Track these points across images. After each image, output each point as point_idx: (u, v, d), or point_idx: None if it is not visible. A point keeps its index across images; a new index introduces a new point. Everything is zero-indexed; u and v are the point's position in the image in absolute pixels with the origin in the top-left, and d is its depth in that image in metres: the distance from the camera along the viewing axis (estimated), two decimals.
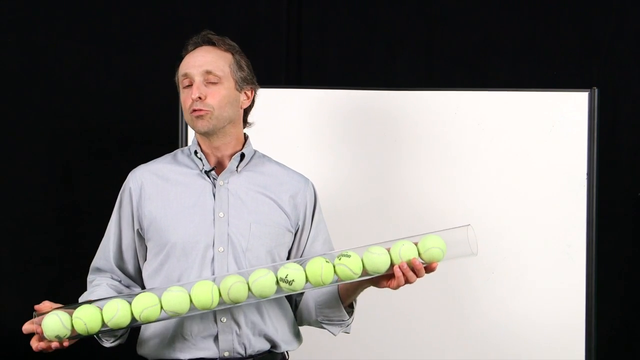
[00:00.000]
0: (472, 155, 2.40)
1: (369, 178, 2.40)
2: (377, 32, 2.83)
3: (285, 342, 1.71)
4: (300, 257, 1.78)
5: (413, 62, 2.83)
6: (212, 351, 1.64)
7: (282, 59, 2.82)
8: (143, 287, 1.77)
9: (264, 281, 1.52)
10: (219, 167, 1.73)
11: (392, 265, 1.55)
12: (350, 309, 1.74)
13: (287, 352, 1.75)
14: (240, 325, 1.64)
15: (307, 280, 1.54)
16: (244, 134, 1.78)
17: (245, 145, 1.75)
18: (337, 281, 1.55)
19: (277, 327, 1.70)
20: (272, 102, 2.39)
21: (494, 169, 2.40)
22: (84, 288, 1.76)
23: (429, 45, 2.84)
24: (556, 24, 2.83)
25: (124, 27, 2.73)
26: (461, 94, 2.42)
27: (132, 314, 1.50)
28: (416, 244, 1.56)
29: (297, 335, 1.77)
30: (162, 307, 1.51)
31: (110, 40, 2.72)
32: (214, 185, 1.70)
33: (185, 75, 1.68)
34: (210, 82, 1.68)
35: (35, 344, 1.51)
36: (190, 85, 1.68)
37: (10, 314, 2.61)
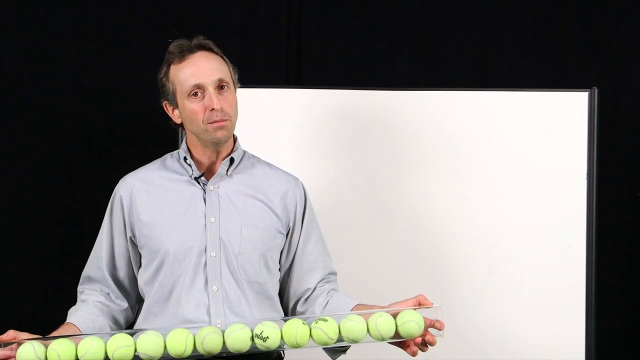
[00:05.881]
0: (472, 155, 2.40)
1: (368, 178, 2.40)
2: (377, 32, 2.83)
3: None
4: (292, 259, 1.78)
5: (413, 62, 2.83)
6: None
7: (282, 59, 2.82)
8: (136, 296, 1.77)
9: (238, 334, 1.52)
10: (210, 171, 1.72)
11: (368, 333, 1.55)
12: None
13: (283, 351, 1.74)
14: None
15: (282, 339, 1.53)
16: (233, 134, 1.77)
17: (235, 148, 1.74)
18: (311, 344, 1.55)
19: None
20: (272, 102, 2.39)
21: (494, 169, 2.39)
22: None
23: (429, 45, 2.84)
24: (556, 24, 2.82)
25: (123, 26, 2.73)
26: (461, 94, 2.42)
27: (105, 352, 1.50)
28: (394, 317, 1.56)
29: None
30: (135, 349, 1.51)
31: (110, 40, 2.72)
32: (204, 191, 1.70)
33: (198, 86, 1.65)
34: (221, 89, 1.66)
35: None
36: (198, 94, 1.65)
37: (10, 314, 2.61)
